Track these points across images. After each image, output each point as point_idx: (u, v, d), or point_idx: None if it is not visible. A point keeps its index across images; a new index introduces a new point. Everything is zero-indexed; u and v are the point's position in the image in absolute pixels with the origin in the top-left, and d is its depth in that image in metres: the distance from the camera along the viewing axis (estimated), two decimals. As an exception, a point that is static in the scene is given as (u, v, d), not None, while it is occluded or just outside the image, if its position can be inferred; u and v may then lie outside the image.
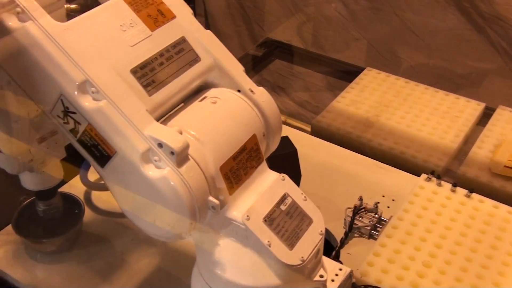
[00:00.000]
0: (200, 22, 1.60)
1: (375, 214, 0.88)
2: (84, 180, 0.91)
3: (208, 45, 0.62)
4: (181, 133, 0.54)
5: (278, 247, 0.57)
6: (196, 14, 2.01)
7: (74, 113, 0.53)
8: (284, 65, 1.63)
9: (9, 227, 0.86)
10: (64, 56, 0.52)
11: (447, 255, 0.80)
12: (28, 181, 0.76)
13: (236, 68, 0.63)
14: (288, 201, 0.60)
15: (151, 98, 0.56)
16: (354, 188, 0.95)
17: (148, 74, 0.56)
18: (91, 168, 0.91)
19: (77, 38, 0.53)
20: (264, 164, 0.61)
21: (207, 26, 2.00)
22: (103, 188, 0.90)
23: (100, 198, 0.94)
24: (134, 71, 0.55)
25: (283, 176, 0.61)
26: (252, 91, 0.61)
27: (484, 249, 0.81)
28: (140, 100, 0.54)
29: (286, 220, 0.59)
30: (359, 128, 1.11)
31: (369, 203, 0.89)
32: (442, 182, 0.92)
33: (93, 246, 0.85)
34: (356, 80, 1.26)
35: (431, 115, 1.13)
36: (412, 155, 1.03)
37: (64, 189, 0.94)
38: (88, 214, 0.90)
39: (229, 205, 0.58)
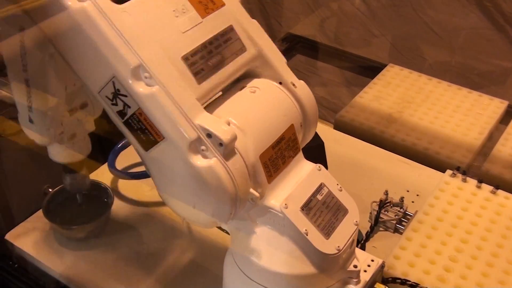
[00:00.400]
0: None
1: (400, 209, 0.89)
2: (112, 169, 0.91)
3: (253, 35, 0.62)
4: (228, 123, 0.55)
5: (315, 236, 0.57)
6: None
7: (125, 96, 0.54)
8: (304, 60, 1.63)
9: (38, 213, 0.88)
10: (119, 39, 0.52)
11: (473, 250, 0.80)
12: (57, 154, 0.76)
13: (279, 60, 0.63)
14: (325, 191, 0.61)
15: (200, 87, 0.56)
16: (379, 182, 0.96)
17: (198, 62, 0.57)
18: (122, 154, 0.93)
19: (132, 21, 0.54)
20: (300, 154, 0.62)
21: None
22: (130, 177, 0.91)
23: (126, 187, 0.94)
24: (185, 58, 0.56)
25: (319, 167, 0.62)
26: (293, 84, 0.62)
27: (510, 245, 0.81)
28: (191, 88, 0.55)
29: (323, 210, 0.60)
30: (382, 124, 1.11)
31: (394, 197, 0.90)
32: (468, 178, 0.93)
33: (119, 234, 0.86)
34: (379, 76, 1.26)
35: (454, 112, 1.13)
36: (435, 151, 1.04)
37: (94, 176, 0.95)
38: (114, 202, 0.90)
39: (267, 194, 0.58)
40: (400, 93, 1.19)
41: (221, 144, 0.52)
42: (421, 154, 1.04)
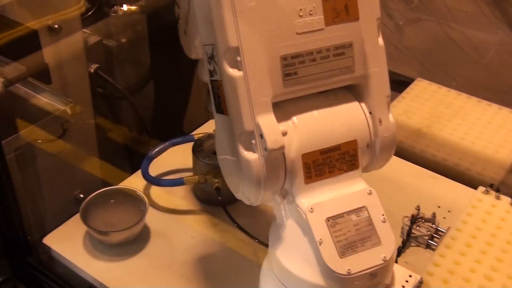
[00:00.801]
0: None
1: (432, 224, 0.89)
2: (146, 175, 0.92)
3: (370, 59, 0.60)
4: (285, 134, 0.56)
5: (328, 249, 0.58)
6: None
7: (216, 64, 0.57)
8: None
9: (74, 218, 0.89)
10: (232, 17, 0.54)
11: (509, 269, 0.80)
12: (204, 73, 0.79)
13: (381, 93, 0.61)
14: (363, 214, 0.60)
15: (283, 88, 0.57)
16: (410, 197, 0.96)
17: (294, 65, 0.57)
18: (152, 163, 0.94)
19: (254, 5, 0.54)
20: (357, 172, 0.62)
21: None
22: (164, 184, 0.92)
23: (159, 194, 0.95)
24: (284, 58, 0.56)
25: (370, 190, 0.62)
26: (380, 122, 0.61)
27: (545, 265, 0.81)
28: (272, 86, 0.56)
29: (351, 230, 0.59)
30: (411, 138, 1.11)
31: (425, 213, 0.90)
32: (501, 196, 0.92)
33: (152, 241, 0.87)
34: (407, 90, 1.26)
35: (485, 128, 1.13)
36: (466, 168, 1.03)
37: (125, 183, 0.96)
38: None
39: (301, 193, 0.59)
40: (429, 108, 1.19)
41: (266, 149, 0.55)
42: (452, 170, 1.04)
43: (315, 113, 0.60)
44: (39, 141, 0.91)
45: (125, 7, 1.16)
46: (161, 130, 1.34)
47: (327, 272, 0.57)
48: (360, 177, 0.62)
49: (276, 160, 0.57)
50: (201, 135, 0.95)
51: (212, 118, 0.86)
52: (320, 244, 0.57)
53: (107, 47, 1.24)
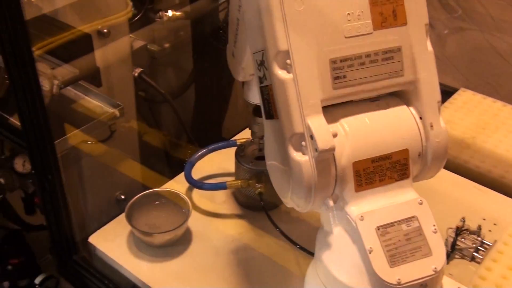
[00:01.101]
0: None
1: (477, 237, 0.87)
2: (189, 178, 0.93)
3: (420, 64, 0.60)
4: (335, 135, 0.57)
5: (378, 258, 0.57)
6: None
7: (266, 69, 0.58)
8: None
9: (118, 219, 0.91)
10: (281, 21, 0.55)
11: (559, 285, 0.78)
12: (250, 95, 0.84)
13: (431, 98, 0.61)
14: (414, 224, 0.60)
15: (332, 91, 0.57)
16: (454, 208, 0.94)
17: (343, 69, 0.57)
18: (195, 166, 0.95)
19: (302, 10, 0.55)
20: (408, 182, 0.61)
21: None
22: (207, 187, 0.93)
23: (200, 197, 0.96)
24: (333, 61, 0.57)
25: (421, 200, 0.61)
26: (431, 126, 0.61)
27: None
28: (321, 89, 0.56)
29: (401, 239, 0.59)
30: (455, 149, 1.10)
31: (470, 225, 0.88)
32: (550, 210, 0.90)
33: (194, 244, 0.88)
34: (450, 100, 1.24)
35: (532, 140, 1.10)
36: (512, 180, 1.01)
37: (167, 186, 0.98)
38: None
39: (351, 201, 0.59)
40: (473, 119, 1.17)
41: (316, 150, 0.55)
42: (497, 182, 1.02)
43: (366, 120, 0.60)
44: (89, 142, 0.93)
45: (170, 13, 1.18)
46: (200, 135, 1.35)
47: (377, 281, 0.57)
48: (410, 186, 0.62)
49: (326, 162, 0.57)
50: (243, 140, 0.96)
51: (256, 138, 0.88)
52: (370, 253, 0.57)
53: (150, 52, 1.26)
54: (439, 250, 0.59)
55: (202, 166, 0.98)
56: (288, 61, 0.55)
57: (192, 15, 1.21)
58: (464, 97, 1.25)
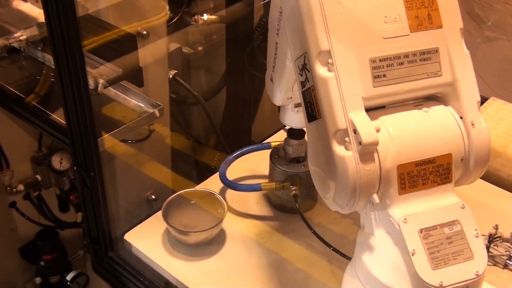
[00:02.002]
0: None
1: (511, 244, 0.87)
2: (224, 179, 0.94)
3: (457, 64, 0.61)
4: (378, 130, 0.58)
5: (421, 260, 0.58)
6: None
7: (308, 71, 0.59)
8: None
9: (153, 217, 0.92)
10: (323, 23, 0.57)
11: None
12: (286, 118, 0.87)
13: (470, 97, 0.62)
14: (456, 228, 0.60)
15: (373, 89, 0.59)
16: (486, 216, 0.93)
17: (383, 68, 0.59)
18: (230, 167, 0.96)
19: (342, 13, 0.57)
20: (450, 186, 0.62)
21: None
22: (242, 188, 0.94)
23: (233, 198, 0.97)
24: (372, 60, 0.58)
25: (463, 204, 0.61)
26: (473, 125, 0.61)
27: None
28: (362, 87, 0.58)
29: (443, 243, 0.59)
30: (487, 158, 1.09)
31: (503, 233, 0.88)
32: None
33: (228, 244, 0.89)
34: (481, 109, 1.24)
35: None
36: (545, 190, 1.01)
37: (202, 186, 0.99)
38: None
39: (394, 203, 0.60)
40: (504, 128, 1.17)
41: (360, 143, 0.56)
42: (529, 191, 1.02)
43: (410, 124, 0.60)
44: (128, 141, 0.95)
45: (205, 17, 1.20)
46: (229, 138, 1.37)
47: (419, 283, 0.57)
48: (452, 190, 0.62)
49: (370, 157, 0.57)
50: (277, 143, 0.97)
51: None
52: (413, 255, 0.57)
53: (184, 54, 1.28)
54: (481, 254, 0.59)
55: (234, 167, 0.99)
56: (329, 60, 0.57)
57: (227, 19, 1.23)
58: (494, 106, 1.25)
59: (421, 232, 0.59)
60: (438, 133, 0.61)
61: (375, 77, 0.59)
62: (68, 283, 1.30)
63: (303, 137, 0.90)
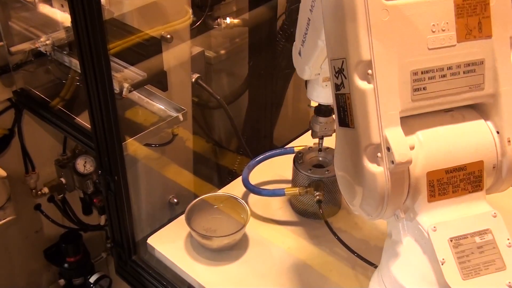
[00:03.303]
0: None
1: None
2: (247, 184, 0.94)
3: (502, 77, 0.59)
4: (412, 148, 0.56)
5: (451, 269, 0.56)
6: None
7: (345, 77, 0.57)
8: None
9: (177, 220, 0.92)
10: (366, 31, 0.54)
11: None
12: (313, 94, 0.85)
13: (511, 113, 0.60)
14: (487, 237, 0.58)
15: (411, 103, 0.57)
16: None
17: (424, 80, 0.57)
18: (252, 172, 0.95)
19: (387, 21, 0.55)
20: (481, 194, 0.60)
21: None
22: (265, 193, 0.93)
23: (255, 203, 0.96)
24: (414, 73, 0.56)
25: (495, 213, 0.60)
26: (509, 142, 0.59)
27: None
28: (400, 100, 0.56)
29: (474, 252, 0.57)
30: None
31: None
32: None
33: (251, 249, 0.88)
34: None
35: None
36: None
37: (224, 190, 0.98)
38: (245, 217, 0.93)
39: (423, 211, 0.59)
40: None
41: (392, 162, 0.55)
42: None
43: (441, 130, 0.59)
44: (152, 145, 0.95)
45: (228, 20, 1.20)
46: (250, 142, 1.36)
47: None
48: (483, 199, 0.60)
49: (401, 174, 0.56)
50: (300, 148, 0.96)
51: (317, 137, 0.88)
52: (442, 264, 0.56)
53: (207, 58, 1.28)
54: (510, 262, 0.58)
55: (257, 172, 0.99)
56: (369, 71, 0.55)
57: (250, 22, 1.23)
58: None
59: (451, 241, 0.57)
60: (469, 140, 0.59)
61: (414, 90, 0.56)
62: (91, 285, 1.31)
63: (331, 114, 0.88)
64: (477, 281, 0.56)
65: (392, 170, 0.55)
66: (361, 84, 0.55)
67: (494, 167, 0.60)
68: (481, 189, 0.60)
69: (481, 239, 0.58)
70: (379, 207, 0.57)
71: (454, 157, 0.58)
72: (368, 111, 0.55)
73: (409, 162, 0.55)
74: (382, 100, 0.55)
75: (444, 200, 0.59)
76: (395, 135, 0.55)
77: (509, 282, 0.57)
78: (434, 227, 0.57)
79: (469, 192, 0.59)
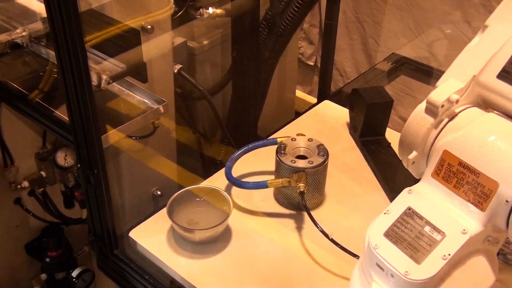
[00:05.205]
0: (314, 33, 1.61)
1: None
2: (229, 177, 0.93)
3: None
4: (455, 102, 0.57)
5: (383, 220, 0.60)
6: (310, 25, 2.03)
7: None
8: (408, 82, 1.61)
9: (158, 214, 0.91)
10: None
11: None
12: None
13: None
14: (437, 237, 0.58)
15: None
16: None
17: None
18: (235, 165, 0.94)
19: None
20: (479, 215, 0.57)
21: (320, 36, 2.02)
22: (247, 186, 0.93)
23: (238, 195, 0.96)
24: None
25: (466, 234, 0.57)
26: None
27: None
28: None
29: (413, 231, 0.59)
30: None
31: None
32: None
33: (234, 242, 0.88)
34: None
35: None
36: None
37: (206, 183, 0.98)
38: (228, 209, 0.92)
39: (424, 180, 0.61)
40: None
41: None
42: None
43: (492, 132, 0.56)
44: (133, 137, 0.93)
45: (210, 10, 1.19)
46: (234, 133, 1.36)
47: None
48: (478, 221, 0.56)
49: (432, 114, 0.57)
50: (283, 138, 0.96)
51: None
52: (383, 213, 0.59)
53: (189, 48, 1.26)
54: (430, 266, 0.56)
55: (240, 163, 0.98)
56: None
57: (233, 12, 1.21)
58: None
59: (409, 209, 0.58)
60: (504, 157, 0.54)
61: None
62: (74, 279, 1.30)
63: None
64: (388, 244, 0.58)
65: (426, 107, 0.57)
66: None
67: (507, 202, 0.54)
68: (482, 210, 0.56)
69: (430, 232, 0.57)
70: (400, 145, 0.59)
71: (478, 159, 0.55)
72: None
73: (436, 104, 0.56)
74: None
75: (444, 186, 0.58)
76: (449, 83, 0.56)
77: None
78: (410, 190, 0.58)
79: (468, 201, 0.57)
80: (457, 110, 0.58)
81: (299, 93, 1.90)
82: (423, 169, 0.60)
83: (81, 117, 0.73)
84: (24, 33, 0.94)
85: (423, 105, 0.59)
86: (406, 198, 0.58)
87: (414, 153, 0.59)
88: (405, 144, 0.59)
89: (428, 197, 0.58)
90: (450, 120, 0.58)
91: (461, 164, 0.56)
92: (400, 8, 1.73)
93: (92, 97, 0.70)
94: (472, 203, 0.56)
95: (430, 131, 0.58)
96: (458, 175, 0.57)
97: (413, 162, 0.60)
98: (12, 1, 1.02)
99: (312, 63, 2.10)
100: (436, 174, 0.57)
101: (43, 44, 0.96)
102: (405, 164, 0.62)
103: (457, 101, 0.56)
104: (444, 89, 0.56)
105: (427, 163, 0.58)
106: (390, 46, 1.79)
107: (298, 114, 1.20)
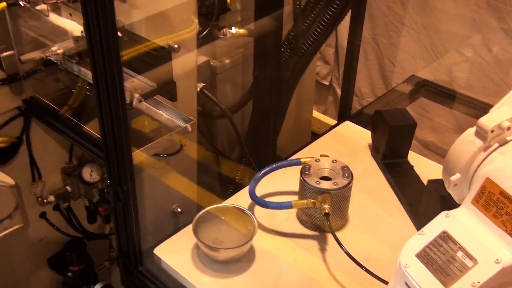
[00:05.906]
0: (329, 52, 1.61)
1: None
2: (253, 196, 0.93)
3: None
4: (507, 128, 0.58)
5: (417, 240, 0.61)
6: (327, 45, 2.04)
7: None
8: (424, 104, 1.62)
9: (184, 231, 0.91)
10: None
11: None
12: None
13: None
14: (467, 261, 0.58)
15: None
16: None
17: None
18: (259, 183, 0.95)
19: None
20: None
21: (336, 56, 2.03)
22: (272, 206, 0.93)
23: (262, 214, 0.96)
24: None
25: (498, 260, 0.57)
26: None
27: None
28: None
29: (445, 254, 0.59)
30: None
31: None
32: None
33: (257, 262, 0.87)
34: None
35: None
36: None
37: (231, 201, 0.98)
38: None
39: (464, 206, 0.61)
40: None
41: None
42: None
43: None
44: (161, 155, 0.94)
45: (233, 30, 1.20)
46: (254, 153, 1.36)
47: None
48: None
49: (480, 137, 0.58)
50: (307, 159, 0.96)
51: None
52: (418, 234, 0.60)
53: (212, 67, 1.28)
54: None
55: (262, 183, 0.98)
56: None
57: (255, 32, 1.23)
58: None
59: (444, 233, 0.59)
60: None
61: None
62: (95, 295, 1.30)
63: None
64: (419, 265, 0.59)
65: (475, 130, 0.58)
66: None
67: None
68: None
69: (462, 258, 0.57)
70: (445, 166, 0.60)
71: None
72: None
73: (486, 129, 0.56)
74: None
75: (483, 214, 0.58)
76: (502, 110, 0.57)
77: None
78: (448, 214, 0.58)
79: (506, 231, 0.57)
80: (508, 138, 0.59)
81: (315, 113, 1.91)
82: (465, 193, 0.60)
83: (114, 135, 0.73)
84: (59, 51, 0.96)
85: (473, 129, 0.59)
86: (442, 221, 0.58)
87: (457, 175, 0.59)
88: (450, 165, 0.60)
89: (464, 223, 0.58)
90: (500, 146, 0.58)
91: (502, 193, 0.56)
92: (418, 30, 1.74)
93: (125, 115, 0.71)
94: (509, 234, 0.56)
95: (477, 154, 0.58)
96: (498, 204, 0.57)
97: (455, 184, 0.60)
98: (45, 19, 1.04)
99: (327, 83, 2.11)
100: (476, 201, 0.58)
101: (74, 61, 0.98)
102: (446, 186, 0.62)
103: (509, 128, 0.57)
104: (496, 115, 0.57)
105: (469, 188, 0.59)
106: (407, 67, 1.80)
107: (314, 134, 1.20)
